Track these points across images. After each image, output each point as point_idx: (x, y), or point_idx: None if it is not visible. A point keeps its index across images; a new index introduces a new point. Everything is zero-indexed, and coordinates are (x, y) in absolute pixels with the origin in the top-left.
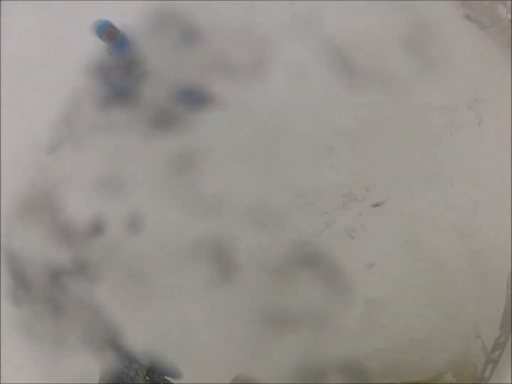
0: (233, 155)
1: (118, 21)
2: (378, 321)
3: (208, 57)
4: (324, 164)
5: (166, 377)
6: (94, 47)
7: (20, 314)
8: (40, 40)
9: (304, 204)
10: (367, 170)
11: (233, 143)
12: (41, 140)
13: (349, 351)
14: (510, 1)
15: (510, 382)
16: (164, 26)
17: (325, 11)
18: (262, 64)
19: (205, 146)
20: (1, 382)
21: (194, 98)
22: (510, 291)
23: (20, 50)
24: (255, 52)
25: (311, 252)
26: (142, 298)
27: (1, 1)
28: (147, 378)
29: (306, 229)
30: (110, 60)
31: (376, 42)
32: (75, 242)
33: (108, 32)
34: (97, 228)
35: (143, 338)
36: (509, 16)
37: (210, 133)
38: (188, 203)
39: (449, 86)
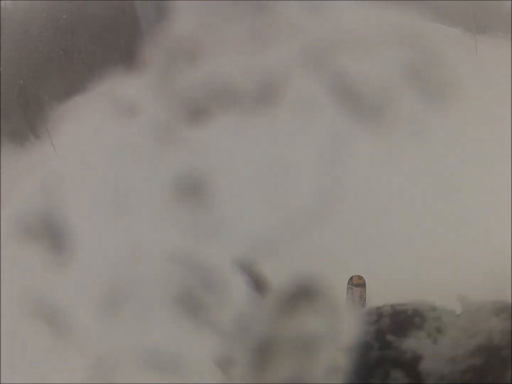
0: (236, 184)
1: None
2: None
3: (217, 87)
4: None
5: None
6: None
7: None
8: None
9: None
10: None
11: (238, 173)
12: None
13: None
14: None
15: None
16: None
17: (334, 45)
18: (270, 96)
19: (209, 175)
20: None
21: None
22: None
23: None
24: (264, 84)
25: (308, 283)
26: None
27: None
28: None
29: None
30: None
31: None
32: None
33: None
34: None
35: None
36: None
37: (215, 161)
38: (188, 229)
39: None
